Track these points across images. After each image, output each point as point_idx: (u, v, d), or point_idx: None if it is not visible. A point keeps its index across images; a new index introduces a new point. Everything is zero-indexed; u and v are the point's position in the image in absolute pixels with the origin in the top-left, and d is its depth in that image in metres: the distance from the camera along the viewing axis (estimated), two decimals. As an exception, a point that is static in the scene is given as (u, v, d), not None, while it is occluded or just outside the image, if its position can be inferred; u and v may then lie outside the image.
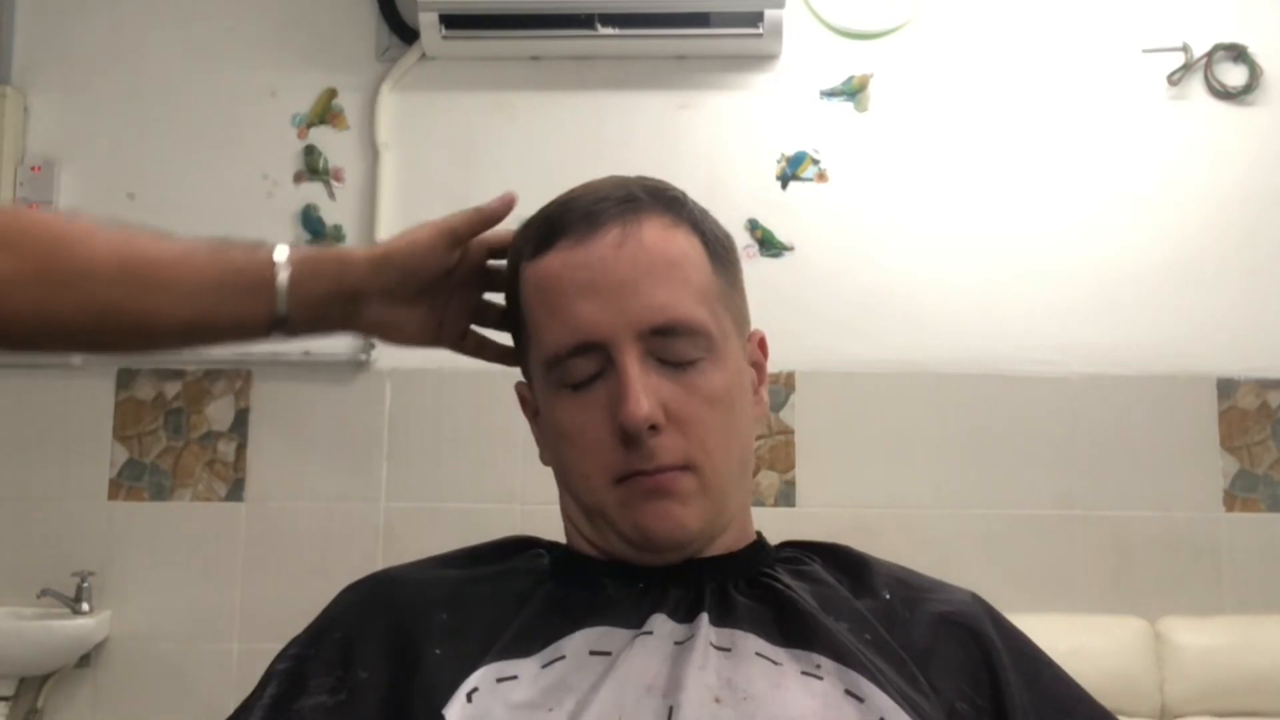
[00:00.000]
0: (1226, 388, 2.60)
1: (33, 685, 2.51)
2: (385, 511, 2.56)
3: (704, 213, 0.82)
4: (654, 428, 0.73)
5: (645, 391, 0.72)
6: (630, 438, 0.73)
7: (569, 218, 0.77)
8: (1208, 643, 2.37)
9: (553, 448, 0.80)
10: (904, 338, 2.58)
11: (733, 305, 0.81)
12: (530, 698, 0.69)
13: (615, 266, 0.74)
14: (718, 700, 0.68)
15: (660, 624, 0.74)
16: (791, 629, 0.74)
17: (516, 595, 0.77)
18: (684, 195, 0.82)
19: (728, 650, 0.72)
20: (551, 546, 0.85)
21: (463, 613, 0.76)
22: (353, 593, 0.80)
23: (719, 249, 0.80)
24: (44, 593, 2.51)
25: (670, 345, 0.74)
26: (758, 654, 0.72)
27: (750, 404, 0.81)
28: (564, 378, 0.76)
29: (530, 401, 0.84)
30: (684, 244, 0.77)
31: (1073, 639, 2.13)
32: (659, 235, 0.76)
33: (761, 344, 0.84)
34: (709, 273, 0.78)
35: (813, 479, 2.55)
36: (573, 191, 0.80)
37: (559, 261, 0.76)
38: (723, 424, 0.76)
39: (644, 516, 0.75)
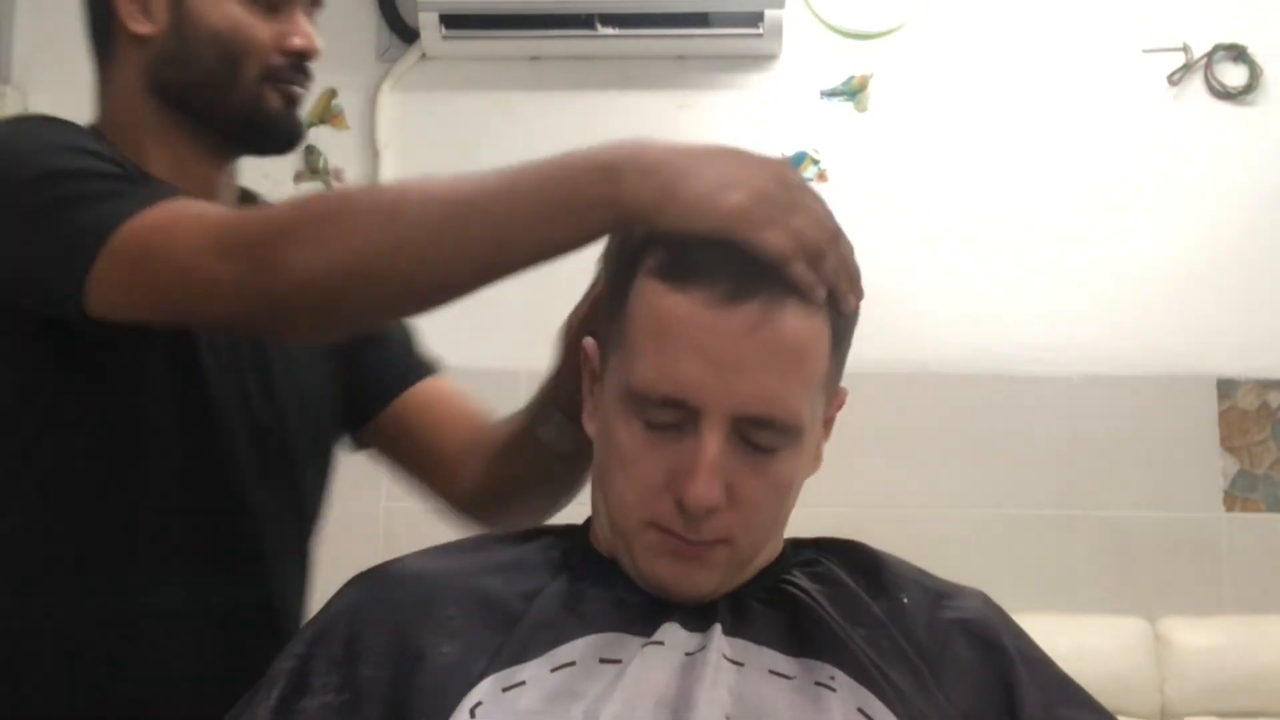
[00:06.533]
0: (1226, 388, 2.60)
1: (33, 685, 2.51)
2: (385, 511, 2.55)
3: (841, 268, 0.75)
4: (714, 509, 0.71)
5: (716, 474, 0.70)
6: (685, 511, 0.71)
7: (716, 263, 0.71)
8: (1208, 643, 2.37)
9: (602, 451, 0.78)
10: (904, 338, 2.58)
11: (833, 381, 0.78)
12: (537, 706, 0.68)
13: (739, 348, 0.70)
14: (729, 719, 0.68)
15: (672, 633, 0.73)
16: (806, 638, 0.74)
17: (526, 590, 0.77)
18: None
19: (740, 665, 0.72)
20: (564, 532, 0.85)
21: (470, 610, 0.75)
22: (356, 587, 0.80)
23: (843, 322, 0.76)
24: (44, 593, 2.51)
25: (760, 434, 0.72)
26: (771, 671, 0.72)
27: (809, 468, 0.79)
28: (642, 412, 0.73)
29: (596, 370, 0.79)
30: (815, 333, 0.73)
31: (1073, 639, 2.12)
32: (796, 324, 0.71)
33: (841, 403, 0.82)
34: (826, 360, 0.75)
35: (812, 479, 2.54)
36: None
37: (685, 309, 0.70)
38: (778, 507, 0.77)
39: (663, 571, 0.74)
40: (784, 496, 0.76)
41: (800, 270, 0.70)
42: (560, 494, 1.04)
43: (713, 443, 0.70)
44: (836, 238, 0.74)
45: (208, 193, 0.99)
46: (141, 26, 0.98)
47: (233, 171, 1.06)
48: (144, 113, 1.00)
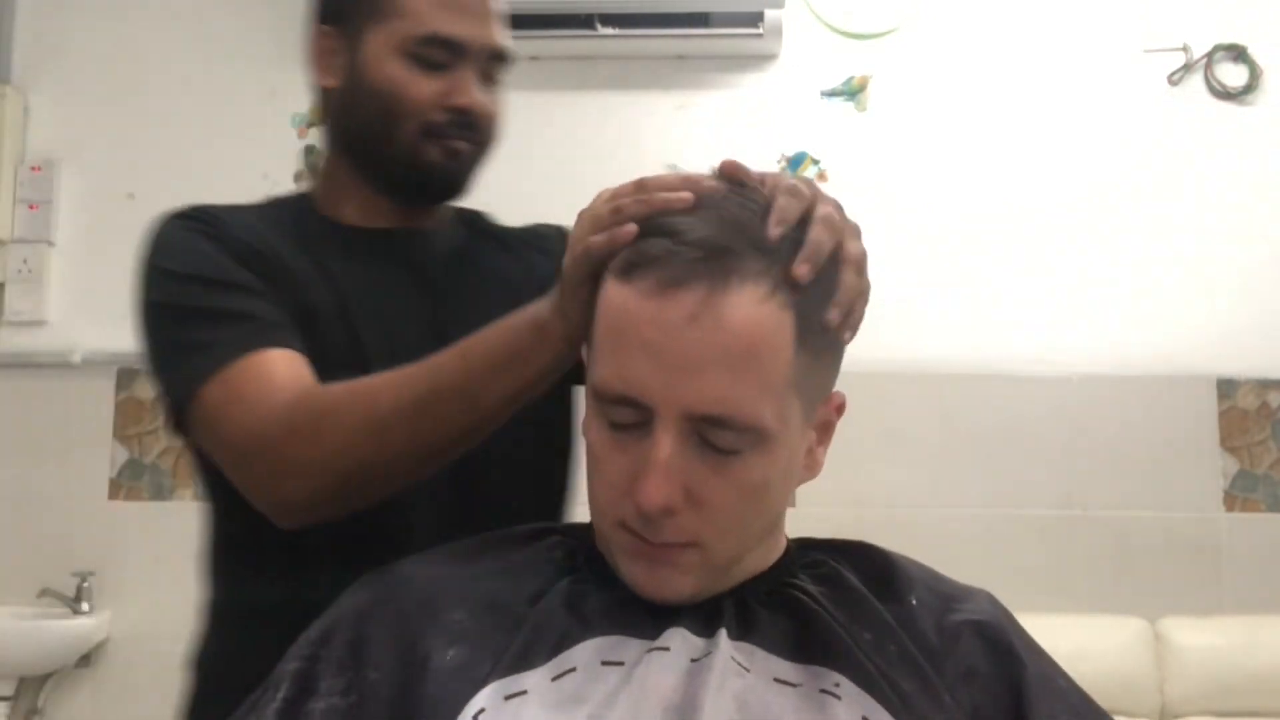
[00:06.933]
0: (1226, 388, 2.60)
1: (33, 685, 2.51)
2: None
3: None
4: (669, 510, 0.70)
5: (669, 475, 0.69)
6: (640, 512, 0.71)
7: (658, 255, 0.70)
8: (1208, 643, 2.37)
9: (586, 453, 0.78)
10: (903, 338, 2.58)
11: (810, 382, 0.74)
12: (541, 715, 0.68)
13: (682, 343, 0.68)
14: None
15: (677, 639, 0.72)
16: (811, 644, 0.74)
17: (530, 593, 0.76)
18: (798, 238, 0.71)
19: (746, 670, 0.71)
20: (570, 531, 0.84)
21: (477, 614, 0.75)
22: (363, 589, 0.79)
23: (813, 317, 0.71)
24: (44, 593, 2.51)
25: (717, 434, 0.70)
26: (776, 678, 0.71)
27: (795, 473, 0.77)
28: (605, 412, 0.72)
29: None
30: (770, 325, 0.69)
31: (1073, 639, 2.12)
32: (744, 314, 0.68)
33: (839, 407, 0.79)
34: (789, 356, 0.70)
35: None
36: (679, 206, 0.71)
37: (633, 303, 0.70)
38: (748, 511, 0.74)
39: (637, 574, 0.74)
40: (754, 500, 0.73)
41: (607, 239, 0.73)
42: None
43: (665, 443, 0.69)
44: (631, 188, 0.75)
45: (399, 226, 1.09)
46: (326, 80, 1.09)
47: (429, 213, 1.11)
48: (334, 160, 1.11)
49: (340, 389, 0.91)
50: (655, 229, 0.71)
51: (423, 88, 1.04)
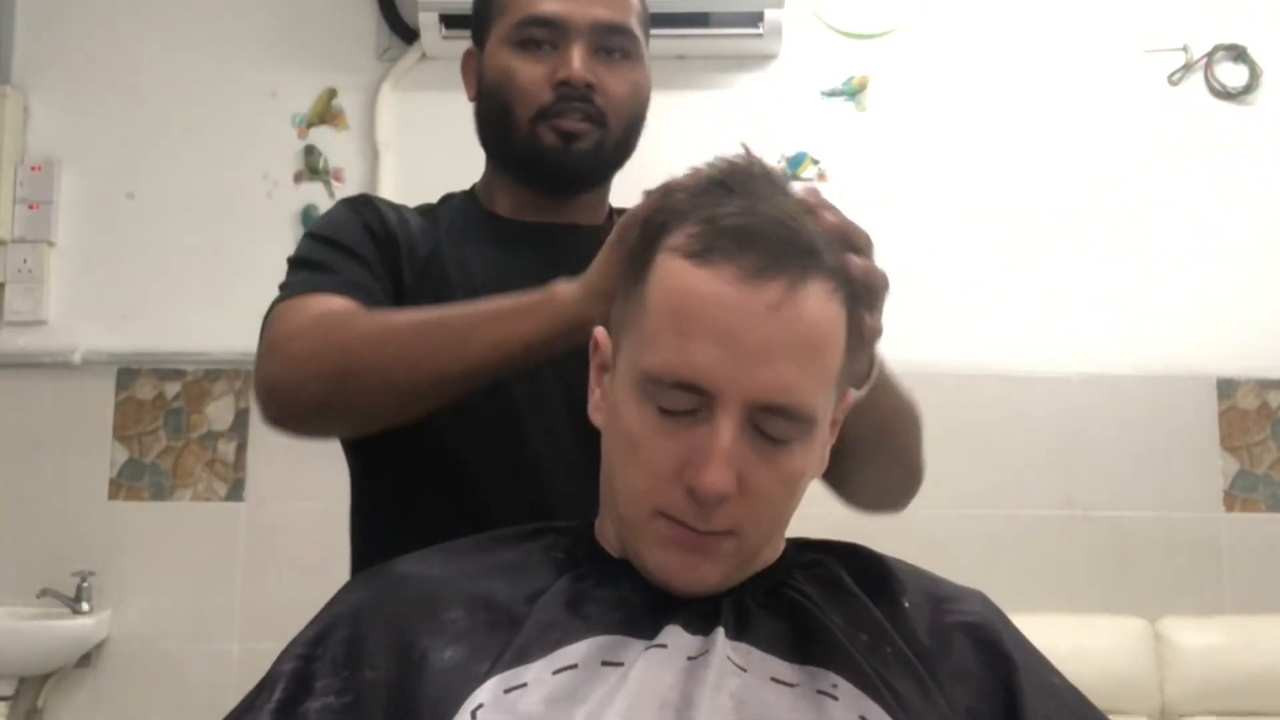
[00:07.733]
0: (1226, 388, 2.60)
1: (33, 685, 2.51)
2: (385, 511, 2.55)
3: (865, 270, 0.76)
4: (727, 497, 0.71)
5: (729, 463, 0.70)
6: (697, 499, 0.71)
7: (744, 242, 0.71)
8: (1208, 643, 2.37)
9: (611, 439, 0.77)
10: (903, 338, 2.57)
11: (845, 380, 0.77)
12: (538, 709, 0.68)
13: (762, 330, 0.69)
14: None
15: (674, 636, 0.72)
16: (809, 645, 0.74)
17: (529, 592, 0.76)
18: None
19: (743, 670, 0.71)
20: (568, 530, 0.84)
21: (474, 613, 0.74)
22: (358, 588, 0.79)
23: (859, 320, 0.75)
24: (44, 593, 2.51)
25: (773, 423, 0.71)
26: (773, 679, 0.71)
27: (816, 469, 0.79)
28: (655, 397, 0.72)
29: (607, 360, 0.79)
30: (833, 322, 0.73)
31: (1073, 639, 2.12)
32: (818, 309, 0.71)
33: (847, 408, 0.81)
34: (841, 354, 0.74)
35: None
36: (762, 195, 0.74)
37: (710, 286, 0.70)
38: (786, 501, 0.76)
39: (670, 564, 0.74)
40: (792, 490, 0.75)
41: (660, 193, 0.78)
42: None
43: (727, 430, 0.70)
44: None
45: (551, 221, 1.11)
46: (469, 92, 1.14)
47: (579, 208, 1.12)
48: (488, 163, 1.16)
49: (374, 309, 0.96)
50: (736, 214, 0.72)
51: (530, 70, 1.05)
